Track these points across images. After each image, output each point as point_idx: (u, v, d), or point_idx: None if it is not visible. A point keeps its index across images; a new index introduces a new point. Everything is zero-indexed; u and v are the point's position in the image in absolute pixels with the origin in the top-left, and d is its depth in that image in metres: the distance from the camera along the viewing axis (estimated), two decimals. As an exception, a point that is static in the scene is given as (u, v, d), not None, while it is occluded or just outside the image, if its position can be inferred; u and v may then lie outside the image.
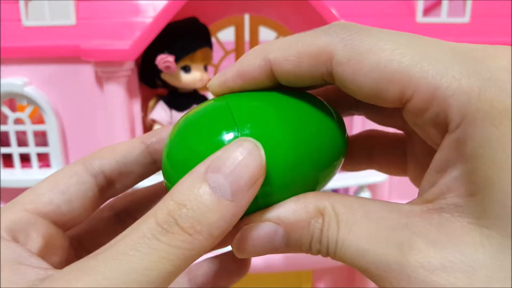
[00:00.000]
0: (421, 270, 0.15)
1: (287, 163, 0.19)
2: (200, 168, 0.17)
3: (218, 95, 0.21)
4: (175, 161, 0.20)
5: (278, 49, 0.20)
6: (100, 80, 0.66)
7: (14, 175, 0.70)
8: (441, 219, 0.16)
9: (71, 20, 0.66)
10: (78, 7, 0.66)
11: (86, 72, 0.66)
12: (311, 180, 0.20)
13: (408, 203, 0.18)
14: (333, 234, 0.18)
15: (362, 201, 0.18)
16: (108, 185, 0.23)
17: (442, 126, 0.16)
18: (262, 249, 0.19)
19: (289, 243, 0.19)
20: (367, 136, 0.26)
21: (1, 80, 0.66)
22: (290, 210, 0.19)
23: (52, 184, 0.21)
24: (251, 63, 0.20)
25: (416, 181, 0.23)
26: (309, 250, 0.19)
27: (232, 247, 0.20)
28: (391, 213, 0.17)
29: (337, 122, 0.22)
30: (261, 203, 0.19)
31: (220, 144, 0.18)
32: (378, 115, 0.25)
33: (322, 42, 0.19)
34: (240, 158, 0.17)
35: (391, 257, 0.16)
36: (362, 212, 0.18)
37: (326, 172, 0.21)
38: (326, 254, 0.18)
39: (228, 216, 0.17)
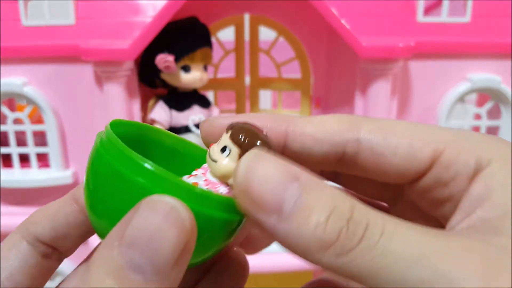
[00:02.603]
0: None
1: None
2: (113, 241, 0.15)
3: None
4: (95, 213, 0.19)
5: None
6: (99, 80, 0.66)
7: (13, 175, 0.70)
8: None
9: (70, 19, 0.65)
10: (78, 7, 0.66)
11: (86, 71, 0.66)
12: None
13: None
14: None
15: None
16: (51, 251, 0.22)
17: (471, 170, 0.18)
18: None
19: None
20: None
21: (1, 79, 0.65)
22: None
23: None
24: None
25: None
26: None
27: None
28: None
29: None
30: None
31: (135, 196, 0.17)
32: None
33: (347, 116, 0.20)
34: (153, 226, 0.15)
35: None
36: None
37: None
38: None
39: None
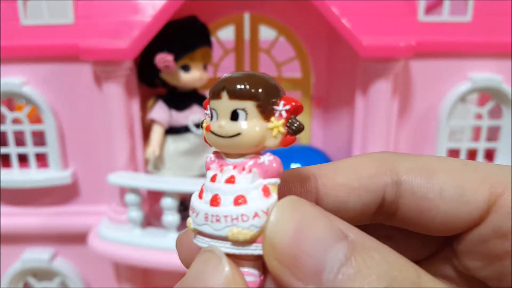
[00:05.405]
0: None
1: None
2: None
3: None
4: None
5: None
6: (98, 80, 0.66)
7: (12, 175, 0.69)
8: None
9: (69, 19, 0.65)
10: (77, 6, 0.65)
11: (85, 71, 0.66)
12: None
13: None
14: None
15: None
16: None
17: None
18: None
19: None
20: None
21: (-1, 79, 0.65)
22: None
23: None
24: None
25: None
26: None
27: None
28: None
29: None
30: None
31: None
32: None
33: (380, 155, 0.17)
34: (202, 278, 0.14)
35: None
36: None
37: None
38: None
39: None
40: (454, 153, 0.74)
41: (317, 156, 0.75)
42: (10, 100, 0.79)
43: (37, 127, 0.68)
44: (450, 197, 0.16)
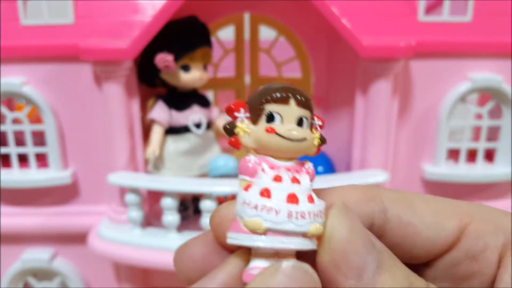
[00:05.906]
0: None
1: None
2: None
3: None
4: None
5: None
6: (98, 80, 0.66)
7: (12, 175, 0.69)
8: None
9: (69, 18, 0.65)
10: (77, 6, 0.65)
11: (85, 71, 0.65)
12: None
13: None
14: None
15: None
16: None
17: (500, 243, 0.18)
18: None
19: None
20: None
21: (-1, 79, 0.65)
22: None
23: None
24: None
25: None
26: None
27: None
28: None
29: None
30: None
31: None
32: None
33: (363, 186, 0.20)
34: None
35: None
36: None
37: None
38: None
39: None
40: (454, 153, 0.74)
41: (317, 156, 0.75)
42: (10, 100, 0.79)
43: (37, 127, 0.68)
44: (430, 223, 0.18)
